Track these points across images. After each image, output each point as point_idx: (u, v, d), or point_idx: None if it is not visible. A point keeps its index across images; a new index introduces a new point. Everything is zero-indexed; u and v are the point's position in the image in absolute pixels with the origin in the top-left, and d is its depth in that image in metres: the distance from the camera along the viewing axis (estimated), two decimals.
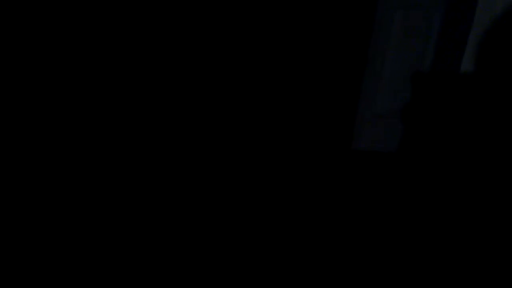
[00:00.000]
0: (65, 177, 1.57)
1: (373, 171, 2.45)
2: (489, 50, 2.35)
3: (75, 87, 1.62)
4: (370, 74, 2.62)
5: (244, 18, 2.05)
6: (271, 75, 2.22)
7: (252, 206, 1.80)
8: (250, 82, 2.21)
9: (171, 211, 1.66)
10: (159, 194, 1.74)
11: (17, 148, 1.50)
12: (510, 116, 2.23)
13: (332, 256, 1.57)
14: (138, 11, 1.60)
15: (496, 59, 2.28)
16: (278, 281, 1.43)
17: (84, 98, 1.63)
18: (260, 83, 2.21)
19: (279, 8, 2.13)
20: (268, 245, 1.57)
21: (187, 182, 1.88)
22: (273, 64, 2.22)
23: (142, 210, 1.64)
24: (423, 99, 2.58)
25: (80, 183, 1.58)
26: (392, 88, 2.62)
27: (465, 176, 2.41)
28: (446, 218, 1.98)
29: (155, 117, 1.88)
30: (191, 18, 1.76)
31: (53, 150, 1.56)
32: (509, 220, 1.92)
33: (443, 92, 2.56)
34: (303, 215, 1.81)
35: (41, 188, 1.52)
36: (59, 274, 1.34)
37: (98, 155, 1.66)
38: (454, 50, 2.59)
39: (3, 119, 1.45)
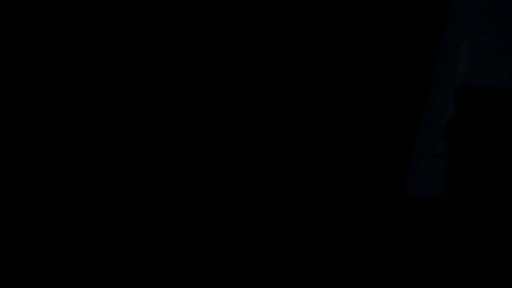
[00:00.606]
0: (66, 177, 1.59)
1: (428, 220, 2.13)
2: None
3: (75, 87, 1.63)
4: (432, 110, 2.31)
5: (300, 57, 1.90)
6: (317, 106, 2.02)
7: (300, 251, 1.65)
8: (298, 111, 2.03)
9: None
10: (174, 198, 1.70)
11: (17, 149, 1.55)
12: None
13: None
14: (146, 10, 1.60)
15: None
16: None
17: (84, 98, 1.64)
18: (306, 115, 2.02)
19: (333, 35, 1.93)
20: None
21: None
22: (319, 94, 2.03)
23: (143, 210, 1.64)
24: (471, 118, 2.22)
25: (80, 183, 1.59)
26: None
27: None
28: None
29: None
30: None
31: (53, 149, 1.60)
32: None
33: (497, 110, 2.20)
34: (348, 265, 1.65)
35: (41, 188, 1.56)
36: (59, 274, 1.36)
37: (98, 155, 1.66)
38: None
39: (3, 119, 1.51)
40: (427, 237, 1.98)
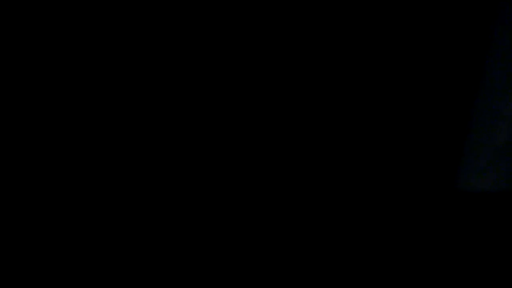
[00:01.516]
0: (64, 176, 1.62)
1: (486, 219, 1.90)
2: None
3: (75, 87, 1.64)
4: (490, 85, 2.02)
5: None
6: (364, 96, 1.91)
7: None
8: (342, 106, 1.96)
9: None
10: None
11: (17, 148, 1.57)
12: None
13: None
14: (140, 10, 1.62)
15: None
16: None
17: (82, 97, 1.64)
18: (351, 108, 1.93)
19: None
20: None
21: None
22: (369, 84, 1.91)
23: (142, 210, 1.65)
24: None
25: (79, 182, 1.63)
26: None
27: None
28: None
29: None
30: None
31: (51, 149, 1.61)
32: None
33: None
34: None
35: (40, 187, 1.59)
36: (58, 274, 1.40)
37: (97, 154, 1.67)
38: None
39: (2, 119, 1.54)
40: (486, 233, 1.78)
